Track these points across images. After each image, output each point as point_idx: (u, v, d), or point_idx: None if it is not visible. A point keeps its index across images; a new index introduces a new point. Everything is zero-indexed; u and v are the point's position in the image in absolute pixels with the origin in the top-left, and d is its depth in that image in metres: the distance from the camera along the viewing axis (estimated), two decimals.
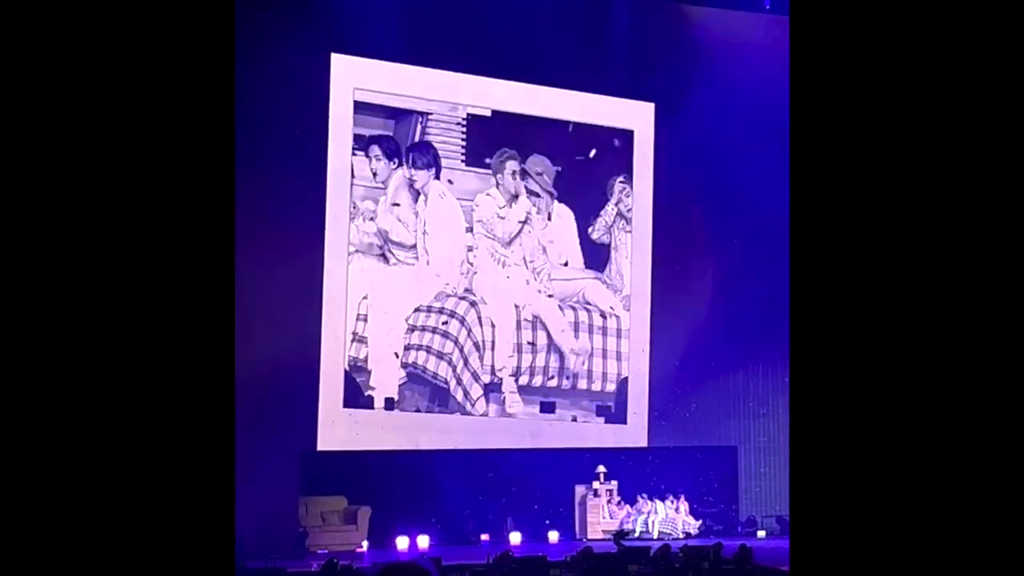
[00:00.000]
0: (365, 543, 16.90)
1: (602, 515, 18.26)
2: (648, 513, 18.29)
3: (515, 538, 17.51)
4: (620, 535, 16.27)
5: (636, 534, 17.79)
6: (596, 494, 18.36)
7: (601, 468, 18.40)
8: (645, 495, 18.50)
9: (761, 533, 18.85)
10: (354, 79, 17.34)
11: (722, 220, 19.35)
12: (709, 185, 19.29)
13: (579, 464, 18.64)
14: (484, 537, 17.70)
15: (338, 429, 17.06)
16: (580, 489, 18.48)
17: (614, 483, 18.42)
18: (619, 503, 18.39)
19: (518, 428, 18.30)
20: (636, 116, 19.26)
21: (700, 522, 18.61)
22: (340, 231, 17.13)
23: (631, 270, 19.19)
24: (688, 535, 17.97)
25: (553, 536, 18.02)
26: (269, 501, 15.97)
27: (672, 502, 18.46)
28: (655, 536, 17.70)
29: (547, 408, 18.55)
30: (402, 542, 16.88)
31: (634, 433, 19.09)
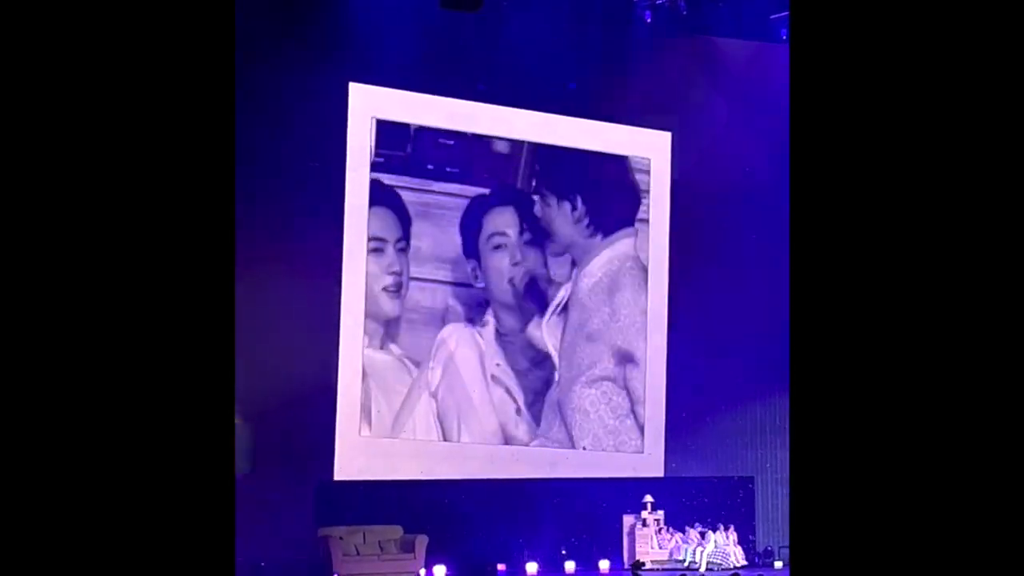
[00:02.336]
0: (423, 572, 16.81)
1: (651, 545, 18.22)
2: (697, 543, 18.23)
3: (531, 568, 17.46)
4: (637, 566, 16.23)
5: (685, 564, 17.75)
6: (645, 524, 18.34)
7: (648, 498, 18.37)
8: (698, 525, 18.48)
9: (778, 564, 18.75)
10: (373, 108, 17.38)
11: (739, 250, 19.31)
12: (726, 214, 19.28)
13: (598, 494, 18.58)
14: (501, 567, 17.62)
15: (355, 459, 17.04)
16: (628, 519, 18.51)
17: (661, 512, 18.41)
18: (667, 532, 18.36)
19: (537, 458, 18.26)
20: (653, 145, 19.28)
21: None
22: (358, 261, 17.16)
23: (648, 299, 19.15)
24: (742, 566, 17.90)
25: (570, 566, 17.94)
26: (287, 531, 16.01)
27: (723, 533, 18.40)
28: (703, 568, 17.63)
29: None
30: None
31: (651, 463, 19.03)
